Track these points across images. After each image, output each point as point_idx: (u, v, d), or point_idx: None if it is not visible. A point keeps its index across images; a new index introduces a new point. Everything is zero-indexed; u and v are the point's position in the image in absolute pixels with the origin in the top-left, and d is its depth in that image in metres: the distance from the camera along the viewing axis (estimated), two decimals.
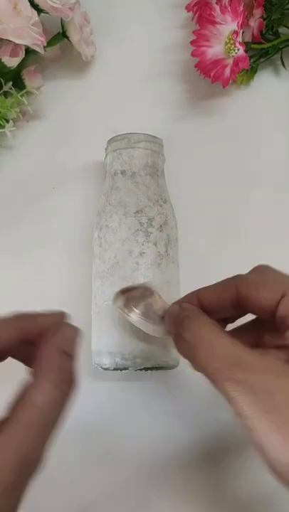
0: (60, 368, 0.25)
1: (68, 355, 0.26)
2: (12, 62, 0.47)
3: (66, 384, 0.25)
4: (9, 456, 0.22)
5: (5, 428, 0.23)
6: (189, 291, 0.41)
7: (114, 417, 0.41)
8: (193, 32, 0.46)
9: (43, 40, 0.46)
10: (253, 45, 0.49)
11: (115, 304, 0.36)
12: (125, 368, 0.38)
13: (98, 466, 0.40)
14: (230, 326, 0.34)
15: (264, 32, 0.49)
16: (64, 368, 0.26)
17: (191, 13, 0.52)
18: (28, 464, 0.24)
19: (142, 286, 0.36)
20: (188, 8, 0.51)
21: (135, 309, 0.34)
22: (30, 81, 0.49)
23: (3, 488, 0.22)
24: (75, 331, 0.28)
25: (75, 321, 0.31)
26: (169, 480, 0.40)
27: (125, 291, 0.36)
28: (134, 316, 0.34)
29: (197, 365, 0.28)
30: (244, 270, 0.44)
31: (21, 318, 0.28)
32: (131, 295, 0.35)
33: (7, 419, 0.24)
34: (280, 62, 0.50)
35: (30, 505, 0.40)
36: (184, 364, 0.40)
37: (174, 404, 0.42)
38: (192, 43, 0.46)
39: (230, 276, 0.44)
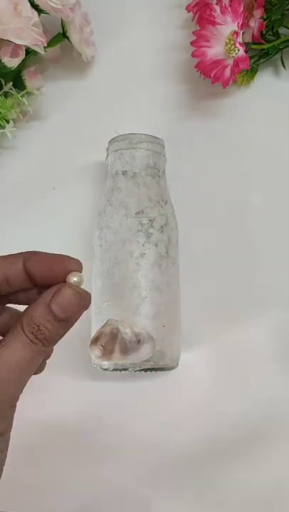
0: (38, 323, 0.27)
1: (57, 318, 0.27)
2: (12, 62, 0.47)
3: (40, 343, 0.27)
4: None
5: None
6: (189, 292, 0.41)
7: (114, 418, 0.41)
8: (194, 32, 0.46)
9: (43, 40, 0.46)
10: (253, 46, 0.49)
11: (93, 355, 0.37)
12: (125, 369, 0.38)
13: (97, 466, 0.40)
14: None
15: (264, 32, 0.49)
16: (44, 324, 0.27)
17: (191, 14, 0.52)
18: None
19: (107, 326, 0.37)
20: (188, 8, 0.51)
21: (113, 353, 0.36)
22: (31, 81, 0.50)
23: None
24: (75, 296, 0.28)
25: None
26: (169, 480, 0.40)
27: (96, 341, 0.37)
28: (116, 358, 0.36)
29: None
30: (244, 270, 0.45)
31: (32, 253, 0.29)
32: (103, 341, 0.36)
33: None
34: (280, 62, 0.50)
35: (31, 505, 0.40)
36: (183, 365, 0.40)
37: (173, 405, 0.42)
38: (192, 43, 0.46)
39: (230, 276, 0.45)
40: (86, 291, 0.29)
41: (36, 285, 0.30)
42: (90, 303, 0.29)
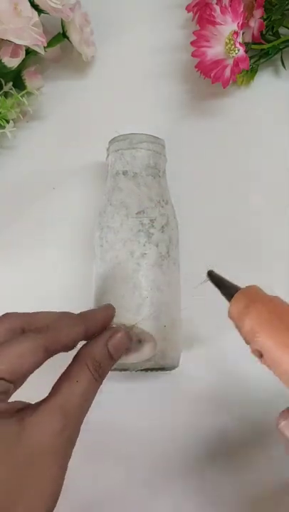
0: (99, 360, 0.30)
1: (111, 357, 0.31)
2: (12, 62, 0.47)
3: (100, 379, 0.30)
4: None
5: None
6: (190, 293, 0.41)
7: (114, 418, 0.41)
8: (194, 32, 0.46)
9: (43, 40, 0.46)
10: (253, 46, 0.49)
11: None
12: (125, 369, 0.38)
13: (98, 466, 0.40)
14: None
15: (264, 32, 0.49)
16: (103, 361, 0.30)
17: (191, 14, 0.52)
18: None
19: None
20: (188, 8, 0.51)
21: None
22: (31, 81, 0.50)
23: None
24: (126, 338, 0.32)
25: None
26: (169, 480, 0.40)
27: None
28: None
29: None
30: (245, 271, 0.45)
31: (86, 317, 0.32)
32: None
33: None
34: (280, 62, 0.50)
35: None
36: (184, 365, 0.40)
37: (173, 405, 0.42)
38: (192, 43, 0.46)
39: (230, 277, 0.45)
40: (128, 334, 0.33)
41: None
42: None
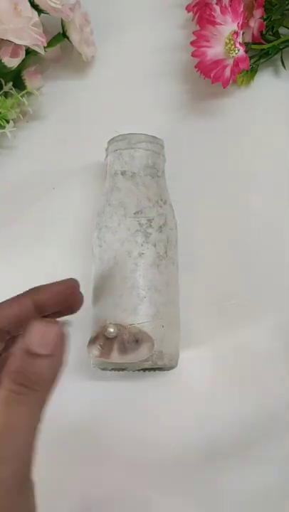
0: (18, 370, 0.24)
1: (34, 355, 0.24)
2: (12, 62, 0.47)
3: (22, 384, 0.24)
4: None
5: None
6: (188, 293, 0.41)
7: (113, 418, 0.41)
8: (194, 32, 0.46)
9: (43, 40, 0.46)
10: (253, 46, 0.49)
11: (92, 355, 0.37)
12: (123, 369, 0.38)
13: (97, 466, 0.40)
14: None
15: (264, 32, 0.49)
16: (24, 368, 0.24)
17: (191, 14, 0.52)
18: None
19: (106, 326, 0.37)
20: (188, 8, 0.51)
21: (112, 353, 0.36)
22: (31, 81, 0.50)
23: None
24: (48, 329, 0.25)
25: (73, 321, 0.31)
26: (169, 480, 0.40)
27: (95, 341, 0.37)
28: (115, 358, 0.36)
29: None
30: (244, 271, 0.45)
31: (37, 290, 0.31)
32: (101, 341, 0.37)
33: None
34: (280, 62, 0.50)
35: None
36: (182, 365, 0.40)
37: (172, 405, 0.42)
38: (192, 43, 0.46)
39: (230, 276, 0.45)
40: (54, 320, 0.27)
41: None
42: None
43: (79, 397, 0.42)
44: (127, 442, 0.41)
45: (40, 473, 0.41)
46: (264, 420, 0.41)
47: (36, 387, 0.24)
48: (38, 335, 0.24)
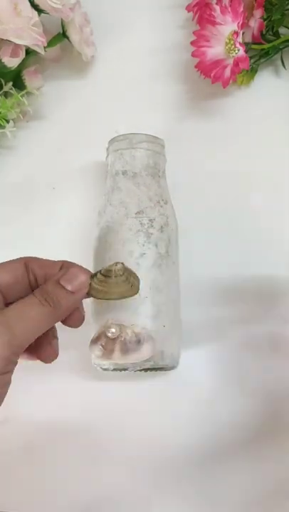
0: (46, 291, 0.31)
1: (62, 286, 0.32)
2: (12, 62, 0.47)
3: (50, 304, 0.31)
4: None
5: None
6: (189, 292, 0.41)
7: (114, 418, 0.41)
8: (194, 32, 0.46)
9: (43, 40, 0.46)
10: (253, 46, 0.49)
11: (94, 355, 0.37)
12: (125, 369, 0.38)
13: (98, 466, 0.40)
14: None
15: (264, 32, 0.49)
16: (53, 292, 0.31)
17: (191, 14, 0.52)
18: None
19: (108, 326, 0.37)
20: (188, 8, 0.51)
21: (114, 353, 0.36)
22: (31, 81, 0.50)
23: None
24: (79, 270, 0.33)
25: None
26: (169, 480, 0.40)
27: (97, 340, 0.37)
28: (116, 358, 0.36)
29: None
30: (245, 271, 0.45)
31: (30, 258, 0.34)
32: (103, 341, 0.37)
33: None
34: (280, 62, 0.50)
35: (31, 505, 0.40)
36: (183, 365, 0.40)
37: (173, 405, 0.42)
38: (192, 43, 0.46)
39: (230, 276, 0.45)
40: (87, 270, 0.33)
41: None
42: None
43: (80, 397, 0.42)
44: (128, 442, 0.41)
45: (41, 473, 0.41)
46: (264, 420, 0.41)
47: (54, 306, 0.31)
48: (70, 274, 0.32)
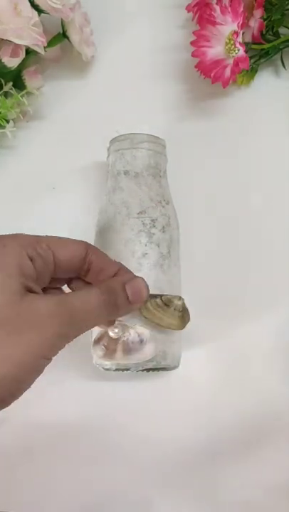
0: (112, 291, 0.31)
1: (124, 291, 0.32)
2: (12, 62, 0.47)
3: (105, 295, 0.31)
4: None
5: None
6: (190, 292, 0.41)
7: (116, 417, 0.42)
8: (194, 32, 0.46)
9: (43, 40, 0.46)
10: (253, 46, 0.49)
11: (96, 355, 0.38)
12: (127, 369, 0.38)
13: (99, 466, 0.40)
14: None
15: (264, 32, 0.49)
16: (116, 293, 0.31)
17: (191, 14, 0.52)
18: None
19: (110, 326, 0.37)
20: (188, 8, 0.51)
21: (116, 353, 0.37)
22: (31, 81, 0.49)
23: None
24: (144, 285, 0.33)
25: None
26: (169, 480, 0.40)
27: (99, 341, 0.37)
28: (119, 358, 0.36)
29: None
30: (245, 271, 0.45)
31: (91, 246, 0.33)
32: (105, 341, 0.37)
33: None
34: (280, 62, 0.50)
35: (31, 505, 0.40)
36: (184, 365, 0.40)
37: (174, 405, 0.42)
38: (192, 43, 0.46)
39: (230, 276, 0.45)
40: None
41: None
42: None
43: (82, 397, 0.42)
44: (129, 442, 0.41)
45: (41, 473, 0.41)
46: (264, 420, 0.41)
47: (113, 302, 0.31)
48: (136, 284, 0.32)
